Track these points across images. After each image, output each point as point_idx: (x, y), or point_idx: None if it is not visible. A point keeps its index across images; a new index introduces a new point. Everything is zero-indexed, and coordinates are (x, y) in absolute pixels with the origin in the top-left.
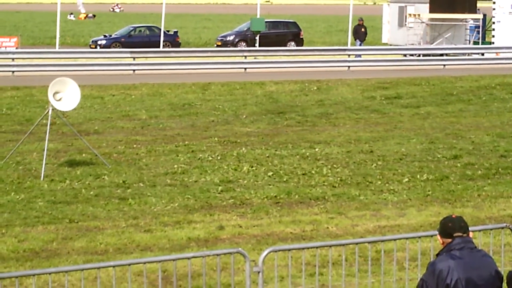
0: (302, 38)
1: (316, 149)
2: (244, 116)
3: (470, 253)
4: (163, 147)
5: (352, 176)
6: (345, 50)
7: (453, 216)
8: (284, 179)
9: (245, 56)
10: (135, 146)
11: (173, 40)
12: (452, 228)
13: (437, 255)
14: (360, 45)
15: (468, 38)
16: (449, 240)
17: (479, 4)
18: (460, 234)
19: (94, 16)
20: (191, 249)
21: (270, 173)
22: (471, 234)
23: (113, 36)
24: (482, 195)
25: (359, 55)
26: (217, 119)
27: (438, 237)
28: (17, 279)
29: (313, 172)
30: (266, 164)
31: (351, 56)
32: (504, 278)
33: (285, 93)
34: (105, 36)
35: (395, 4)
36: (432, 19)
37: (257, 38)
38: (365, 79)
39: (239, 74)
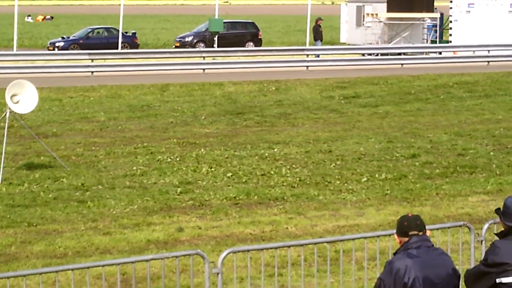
0: (260, 39)
1: (275, 150)
2: (203, 117)
3: (427, 251)
4: (121, 149)
5: (311, 176)
6: (303, 50)
7: (409, 215)
8: (243, 180)
9: (204, 57)
10: (93, 148)
11: (131, 42)
12: (407, 226)
13: (394, 254)
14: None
15: (425, 37)
16: (406, 239)
17: (436, 3)
18: (415, 232)
19: (52, 17)
20: (151, 251)
21: (229, 174)
22: (428, 233)
23: (71, 37)
24: (440, 194)
25: (318, 55)
26: (176, 121)
27: (395, 236)
28: None
29: (272, 172)
30: (225, 165)
31: (310, 56)
32: (462, 276)
33: (243, 93)
34: (63, 38)
35: (353, 4)
36: (389, 19)
37: (216, 38)
38: (324, 79)
39: (198, 75)
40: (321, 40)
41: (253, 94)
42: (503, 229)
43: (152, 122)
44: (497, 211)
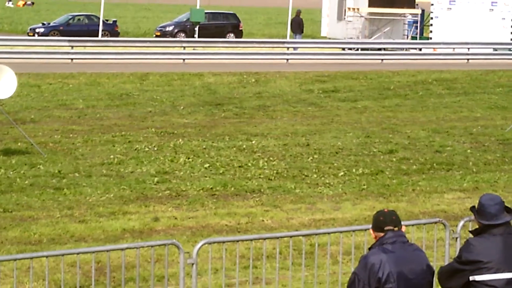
0: (241, 30)
1: (253, 142)
2: (182, 107)
3: (402, 247)
4: (99, 137)
5: (288, 169)
6: (284, 42)
7: (385, 210)
8: (221, 171)
9: (184, 47)
10: (71, 135)
11: (112, 30)
12: (383, 222)
13: (369, 248)
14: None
15: (406, 33)
16: (381, 234)
17: (417, 0)
18: (391, 227)
19: (33, 3)
20: (126, 240)
21: (206, 165)
22: (404, 228)
23: (51, 24)
24: (416, 190)
25: (296, 48)
26: (155, 110)
27: (371, 231)
28: None
29: (249, 164)
30: (203, 156)
31: (289, 49)
32: (436, 272)
33: (223, 84)
34: (43, 24)
35: None
36: (371, 14)
37: (196, 29)
38: (303, 72)
39: (178, 65)
40: (302, 33)
41: (232, 85)
42: (477, 227)
43: (130, 111)
44: (472, 209)
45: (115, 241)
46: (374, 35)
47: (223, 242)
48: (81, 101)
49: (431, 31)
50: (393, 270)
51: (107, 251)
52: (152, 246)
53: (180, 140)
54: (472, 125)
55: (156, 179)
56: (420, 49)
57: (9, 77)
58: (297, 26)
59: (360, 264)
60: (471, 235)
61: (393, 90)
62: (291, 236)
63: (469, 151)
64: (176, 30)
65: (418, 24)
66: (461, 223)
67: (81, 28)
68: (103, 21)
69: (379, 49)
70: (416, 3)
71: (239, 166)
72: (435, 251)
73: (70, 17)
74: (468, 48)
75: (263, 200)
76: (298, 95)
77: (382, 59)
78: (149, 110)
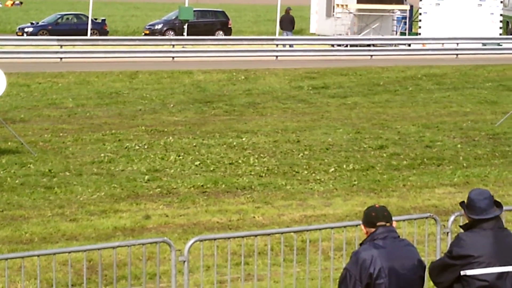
0: (230, 28)
1: (243, 139)
2: (172, 105)
3: (393, 242)
4: (89, 135)
5: (278, 165)
6: (273, 39)
7: (377, 206)
8: (211, 169)
9: (173, 45)
10: (61, 134)
11: (101, 28)
12: (375, 217)
13: (360, 244)
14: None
15: (395, 29)
16: (373, 229)
17: None
18: (383, 223)
19: (21, 3)
20: (117, 239)
21: (197, 162)
22: (394, 224)
23: (40, 23)
24: (407, 185)
25: (292, 45)
26: (145, 108)
27: (362, 226)
28: None
29: (240, 161)
30: (193, 153)
31: (279, 46)
32: (427, 267)
33: (212, 82)
34: (32, 23)
35: None
36: (359, 10)
37: (185, 27)
38: (293, 69)
39: (167, 63)
40: (293, 29)
41: (222, 83)
42: (467, 221)
43: (120, 109)
44: (462, 204)
45: (106, 239)
46: (363, 32)
47: (215, 239)
48: (71, 100)
49: (420, 27)
50: (385, 265)
51: (99, 249)
52: (143, 244)
53: (171, 138)
54: (462, 120)
55: (147, 177)
56: (409, 45)
57: None
58: (289, 23)
59: (351, 260)
60: (461, 230)
61: (383, 86)
62: (282, 233)
63: (459, 146)
64: (165, 28)
65: (407, 20)
66: (452, 218)
67: (70, 27)
68: (92, 20)
69: (368, 45)
70: None
71: (230, 163)
72: (426, 246)
73: (59, 16)
74: (457, 43)
75: (254, 197)
76: (288, 92)
77: (371, 55)
78: (139, 108)
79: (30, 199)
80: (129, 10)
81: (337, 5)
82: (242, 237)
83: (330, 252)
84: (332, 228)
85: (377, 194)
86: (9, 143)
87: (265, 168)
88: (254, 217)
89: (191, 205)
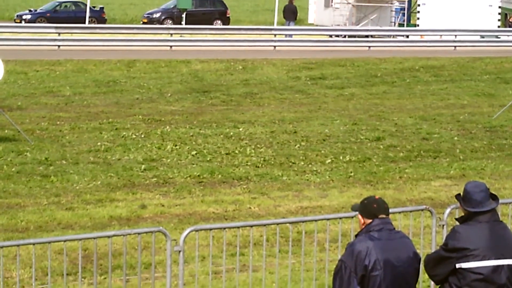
0: (228, 17)
1: (240, 129)
2: (169, 95)
3: (388, 234)
4: (86, 124)
5: (275, 156)
6: (271, 29)
7: (377, 197)
8: (208, 159)
9: (171, 34)
10: (58, 122)
11: (99, 16)
12: (377, 209)
13: (356, 236)
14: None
15: (393, 20)
16: (370, 220)
17: None
18: (383, 216)
19: None
20: (113, 228)
21: (193, 152)
22: (390, 216)
23: (38, 10)
24: (403, 177)
25: (291, 35)
26: (142, 97)
27: (360, 217)
28: None
29: (236, 152)
30: (190, 143)
31: (277, 35)
32: (422, 260)
33: (210, 72)
34: (30, 10)
35: None
36: (358, 0)
37: (184, 16)
38: (291, 59)
39: (165, 52)
40: (295, 19)
41: (219, 72)
42: (463, 214)
43: (117, 98)
44: (457, 196)
45: (102, 228)
46: (361, 22)
47: (210, 229)
48: (68, 88)
49: (418, 18)
50: (380, 257)
51: (94, 238)
52: (139, 234)
53: (167, 127)
54: (459, 112)
55: (143, 166)
56: (407, 36)
57: None
58: (291, 13)
59: (346, 251)
60: (457, 223)
61: (380, 77)
62: (278, 224)
63: (456, 138)
64: (163, 17)
65: (405, 11)
66: (448, 210)
67: (68, 15)
68: (90, 7)
69: (366, 36)
70: None
71: (226, 154)
72: (421, 238)
73: (57, 3)
74: (455, 35)
75: (250, 187)
76: (285, 82)
77: (369, 46)
78: (136, 97)
79: (26, 187)
80: None
81: None
82: (238, 227)
83: (326, 244)
84: (328, 219)
85: (373, 186)
86: (6, 131)
87: (262, 159)
88: (250, 207)
89: (187, 195)
